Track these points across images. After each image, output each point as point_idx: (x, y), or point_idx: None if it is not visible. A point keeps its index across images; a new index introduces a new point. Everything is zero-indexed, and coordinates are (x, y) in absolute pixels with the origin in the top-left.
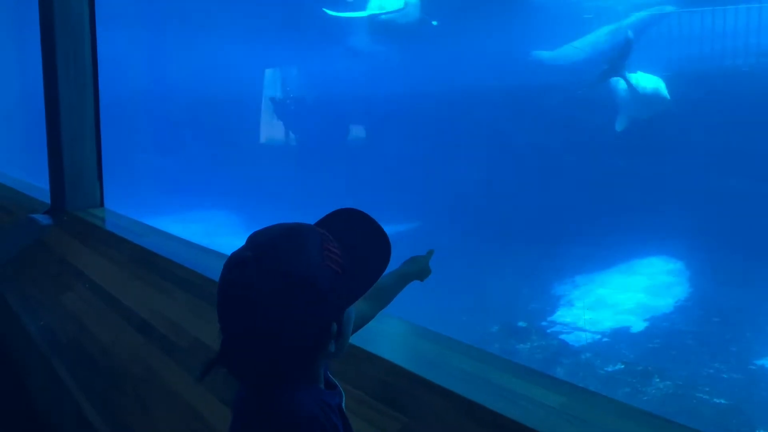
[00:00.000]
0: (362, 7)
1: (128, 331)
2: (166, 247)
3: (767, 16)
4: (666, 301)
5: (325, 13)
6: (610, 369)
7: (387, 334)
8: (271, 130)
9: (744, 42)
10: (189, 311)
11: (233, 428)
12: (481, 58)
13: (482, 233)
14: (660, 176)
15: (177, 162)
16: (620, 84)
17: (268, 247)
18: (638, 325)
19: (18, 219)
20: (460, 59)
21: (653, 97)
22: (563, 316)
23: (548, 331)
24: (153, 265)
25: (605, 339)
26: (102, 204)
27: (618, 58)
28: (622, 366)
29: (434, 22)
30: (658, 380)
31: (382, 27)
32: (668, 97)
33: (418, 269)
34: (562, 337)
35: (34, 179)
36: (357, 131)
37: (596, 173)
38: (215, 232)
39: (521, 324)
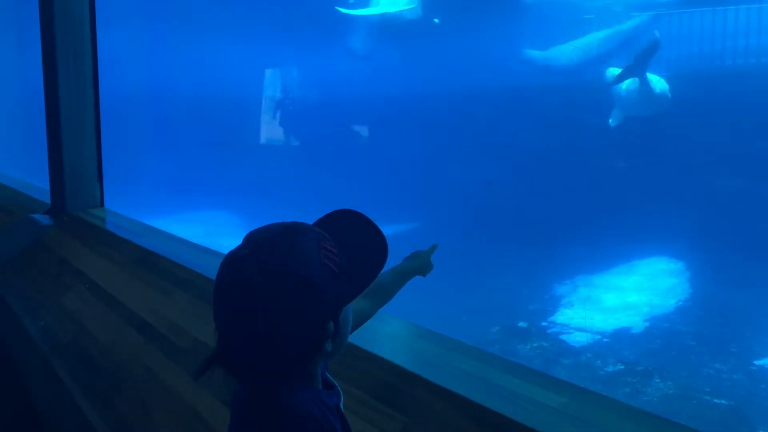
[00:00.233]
0: (375, 5)
1: (128, 332)
2: (166, 247)
3: (767, 16)
4: (666, 302)
5: (335, 11)
6: (610, 369)
7: (388, 334)
8: (272, 130)
9: (744, 42)
10: (189, 311)
11: (231, 427)
12: (481, 58)
13: (483, 233)
14: (660, 176)
15: (177, 162)
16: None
17: (266, 246)
18: (638, 325)
19: (18, 219)
20: (461, 59)
21: (654, 96)
22: (563, 316)
23: (548, 331)
24: (153, 265)
25: (605, 339)
26: (102, 204)
27: (641, 59)
28: (623, 366)
29: (436, 20)
30: (658, 381)
31: (387, 25)
32: (669, 95)
33: (419, 265)
34: (563, 337)
35: (34, 179)
36: (357, 131)
37: (596, 174)
38: (215, 232)
39: (521, 324)
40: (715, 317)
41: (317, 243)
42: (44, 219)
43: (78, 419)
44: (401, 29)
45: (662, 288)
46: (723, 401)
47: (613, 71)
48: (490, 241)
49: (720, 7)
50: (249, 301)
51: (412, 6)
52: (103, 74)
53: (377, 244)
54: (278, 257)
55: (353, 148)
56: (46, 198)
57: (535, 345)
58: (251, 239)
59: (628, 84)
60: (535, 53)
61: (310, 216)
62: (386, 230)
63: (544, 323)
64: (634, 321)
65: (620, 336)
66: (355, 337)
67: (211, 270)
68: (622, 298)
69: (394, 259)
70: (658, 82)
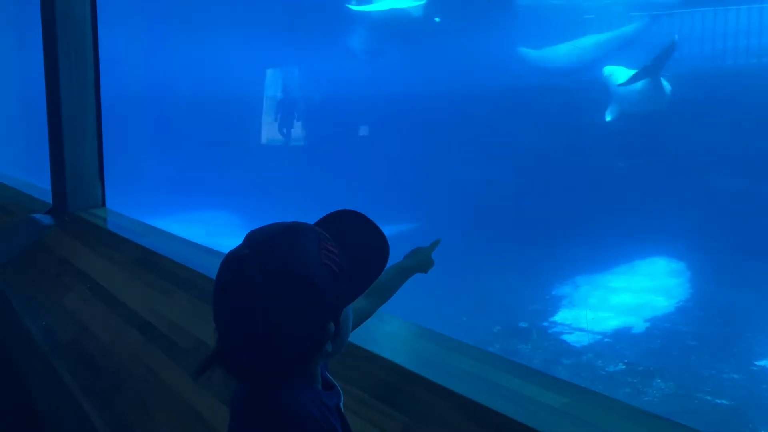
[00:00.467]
0: (381, 1)
1: (129, 332)
2: (167, 247)
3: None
4: (667, 302)
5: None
6: (611, 369)
7: (388, 334)
8: (273, 130)
9: (743, 42)
10: (190, 311)
11: (231, 427)
12: (482, 58)
13: (484, 233)
14: (661, 176)
15: (178, 162)
16: (614, 76)
17: (266, 246)
18: (639, 325)
19: (19, 219)
20: (464, 58)
21: (652, 94)
22: (564, 316)
23: (549, 331)
24: (154, 265)
25: (606, 339)
26: (103, 204)
27: (659, 60)
28: (624, 366)
29: (437, 19)
30: (659, 381)
31: (393, 22)
32: (667, 95)
33: (420, 262)
34: (564, 337)
35: (35, 179)
36: (358, 132)
37: (597, 174)
38: (216, 232)
39: (522, 324)
40: (716, 317)
41: (318, 243)
42: (45, 219)
43: (78, 419)
44: (406, 27)
45: (663, 288)
46: (724, 401)
47: (611, 69)
48: (490, 241)
49: (721, 7)
50: (249, 301)
51: (420, 3)
52: (105, 74)
53: (378, 245)
54: (278, 257)
55: (354, 148)
56: (48, 198)
57: (536, 345)
58: (252, 239)
59: (617, 80)
60: (537, 53)
61: (310, 216)
62: (387, 230)
63: (545, 323)
64: (635, 321)
65: (621, 336)
66: (356, 337)
67: (211, 270)
68: (623, 298)
69: (394, 260)
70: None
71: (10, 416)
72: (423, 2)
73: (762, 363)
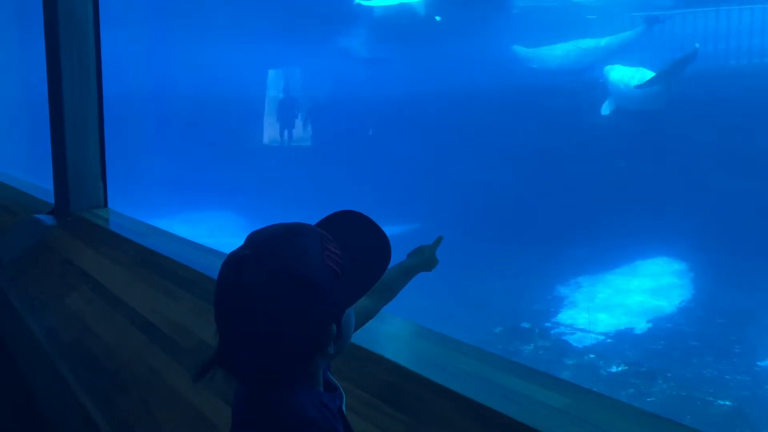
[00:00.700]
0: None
1: (131, 332)
2: (169, 247)
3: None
4: (669, 303)
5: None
6: (613, 370)
7: (390, 334)
8: (275, 130)
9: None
10: (192, 312)
11: (233, 428)
12: (483, 58)
13: (486, 234)
14: (664, 177)
15: (181, 162)
16: (612, 73)
17: (268, 247)
18: (642, 326)
19: (22, 219)
20: (465, 59)
21: (650, 93)
22: (567, 317)
23: (552, 332)
24: (156, 265)
25: (609, 340)
26: (106, 204)
27: (678, 66)
28: (626, 367)
29: (437, 17)
30: (661, 381)
31: (392, 22)
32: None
33: (423, 260)
34: (566, 338)
35: (37, 180)
36: (359, 132)
37: (600, 174)
38: (219, 233)
39: (525, 325)
40: (718, 318)
41: (320, 244)
42: (48, 219)
43: (81, 419)
44: (410, 24)
45: (665, 289)
46: (726, 402)
47: (612, 68)
48: (493, 242)
49: (724, 7)
50: (250, 302)
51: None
52: (107, 74)
53: (380, 246)
54: (280, 258)
55: (356, 148)
56: (50, 198)
57: (539, 345)
58: (253, 240)
59: (626, 78)
60: (537, 52)
61: (313, 216)
62: (389, 231)
63: (547, 324)
64: (637, 322)
65: (623, 337)
66: (358, 338)
67: (214, 270)
68: (625, 299)
69: (396, 260)
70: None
71: (12, 416)
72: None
73: (764, 364)
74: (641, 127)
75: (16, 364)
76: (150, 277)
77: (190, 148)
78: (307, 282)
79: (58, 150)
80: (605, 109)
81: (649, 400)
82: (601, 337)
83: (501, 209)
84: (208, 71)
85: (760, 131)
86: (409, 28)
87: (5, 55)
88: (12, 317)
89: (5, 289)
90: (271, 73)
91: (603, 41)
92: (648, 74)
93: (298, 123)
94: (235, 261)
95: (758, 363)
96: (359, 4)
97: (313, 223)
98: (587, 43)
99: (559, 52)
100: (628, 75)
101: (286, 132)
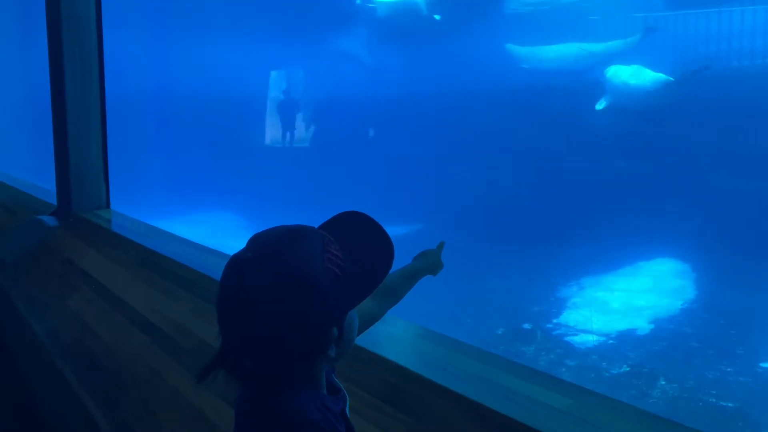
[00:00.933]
0: None
1: (133, 332)
2: (171, 248)
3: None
4: (672, 304)
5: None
6: (615, 371)
7: (392, 335)
8: (277, 131)
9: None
10: (193, 312)
11: (236, 429)
12: (483, 59)
13: (487, 235)
14: (665, 177)
15: (182, 163)
16: (610, 71)
17: (270, 249)
18: (644, 327)
19: (24, 220)
20: (465, 59)
21: (647, 91)
22: (568, 318)
23: (553, 333)
24: (158, 266)
25: (611, 341)
26: (108, 205)
27: (691, 75)
28: (628, 368)
29: (437, 17)
30: (664, 383)
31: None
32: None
33: (428, 264)
34: (568, 339)
35: (40, 180)
36: (361, 132)
37: (601, 175)
38: (220, 234)
39: (526, 326)
40: (720, 319)
41: (321, 246)
42: (50, 220)
43: (81, 419)
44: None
45: (668, 290)
46: (729, 403)
47: (612, 68)
48: (494, 243)
49: (726, 8)
50: (251, 304)
51: None
52: (110, 75)
53: (383, 247)
54: (281, 260)
55: (358, 149)
56: (52, 199)
57: (540, 347)
58: (255, 242)
59: (625, 75)
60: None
61: (314, 217)
62: (391, 232)
63: (549, 325)
64: (640, 323)
65: (625, 338)
66: (362, 339)
67: (215, 271)
68: (627, 300)
69: (399, 261)
70: (656, 79)
71: (13, 416)
72: None
73: (766, 365)
74: (642, 127)
75: (17, 364)
76: (151, 278)
77: (192, 149)
78: (308, 284)
79: (61, 150)
80: (599, 105)
81: (651, 401)
82: (603, 339)
83: (502, 210)
84: (210, 72)
85: (761, 132)
86: (411, 27)
87: (8, 56)
88: (13, 317)
89: (7, 290)
90: (273, 73)
91: (602, 45)
92: (646, 72)
93: (300, 123)
94: (237, 263)
95: (760, 364)
96: (360, 4)
97: (317, 224)
98: (587, 46)
99: (557, 53)
100: (627, 73)
101: (287, 132)
